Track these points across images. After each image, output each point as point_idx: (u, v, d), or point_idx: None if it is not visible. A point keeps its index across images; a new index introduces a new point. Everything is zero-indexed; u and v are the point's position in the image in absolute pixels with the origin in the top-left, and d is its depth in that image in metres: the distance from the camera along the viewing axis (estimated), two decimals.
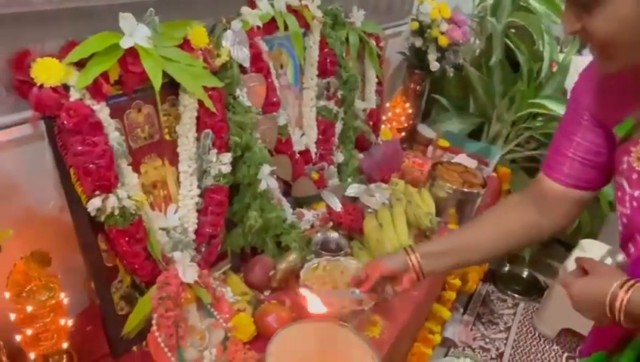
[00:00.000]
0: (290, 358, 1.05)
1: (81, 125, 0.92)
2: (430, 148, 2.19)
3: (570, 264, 2.17)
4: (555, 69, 2.31)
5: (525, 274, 2.59)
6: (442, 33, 2.02)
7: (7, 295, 0.93)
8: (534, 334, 2.24)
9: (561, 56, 2.29)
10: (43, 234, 1.01)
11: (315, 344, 1.10)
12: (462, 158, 2.05)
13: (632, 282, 0.75)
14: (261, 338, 1.16)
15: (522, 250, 2.44)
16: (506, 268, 2.60)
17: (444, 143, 2.16)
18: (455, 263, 1.09)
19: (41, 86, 0.89)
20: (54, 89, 0.90)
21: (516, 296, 2.46)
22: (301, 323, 1.15)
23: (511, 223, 1.01)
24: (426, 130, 2.29)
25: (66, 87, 0.93)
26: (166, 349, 1.01)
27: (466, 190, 1.72)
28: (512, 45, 2.28)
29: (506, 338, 2.20)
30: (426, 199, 1.69)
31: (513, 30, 2.36)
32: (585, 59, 2.69)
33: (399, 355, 1.44)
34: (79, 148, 0.93)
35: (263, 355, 1.04)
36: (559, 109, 2.14)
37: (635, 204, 0.81)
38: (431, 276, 1.13)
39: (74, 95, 0.93)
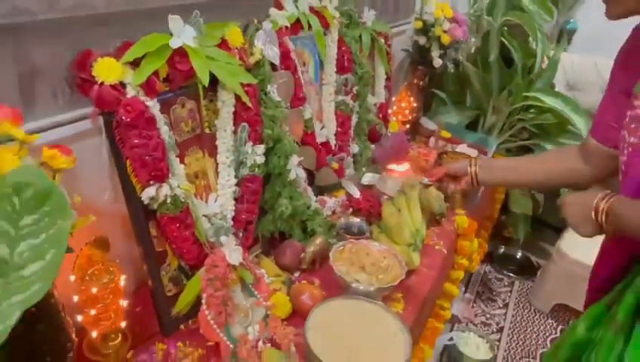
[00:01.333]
0: (327, 331, 1.09)
1: (138, 120, 0.95)
2: (432, 139, 2.22)
3: (562, 244, 2.24)
4: (545, 65, 2.36)
5: (519, 255, 2.65)
6: (445, 31, 2.06)
7: (72, 278, 0.95)
8: (530, 309, 2.30)
9: (551, 53, 2.34)
10: (101, 222, 1.03)
11: (347, 318, 1.14)
12: (463, 148, 2.10)
13: (611, 194, 0.87)
14: (297, 315, 1.19)
15: (517, 233, 2.50)
16: (502, 250, 2.65)
17: (446, 134, 2.20)
18: (504, 179, 1.27)
19: (102, 84, 0.91)
20: (113, 86, 0.93)
21: (511, 275, 2.52)
22: (334, 299, 1.18)
23: (560, 162, 1.16)
24: (427, 123, 2.33)
25: (122, 85, 0.95)
26: (215, 326, 1.04)
27: None
28: (506, 42, 2.32)
29: (505, 314, 2.27)
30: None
31: (506, 28, 2.40)
32: (568, 55, 2.76)
33: (418, 329, 1.49)
34: (136, 141, 0.95)
35: (302, 330, 1.08)
36: (550, 101, 2.19)
37: (630, 149, 0.90)
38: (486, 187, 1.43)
39: (130, 92, 0.95)
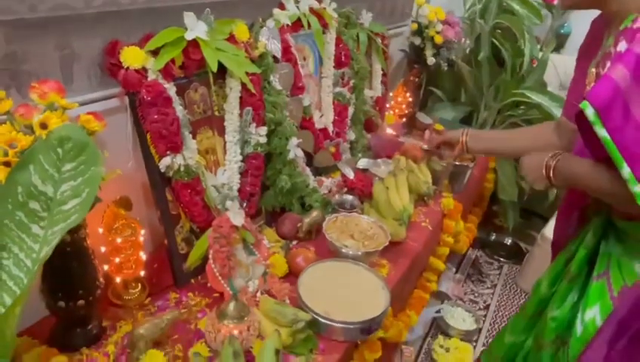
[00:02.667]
0: (317, 285, 1.21)
1: (157, 99, 1.09)
2: (427, 132, 2.32)
3: (546, 230, 2.33)
4: (535, 65, 2.46)
5: (509, 241, 2.74)
6: (438, 32, 2.17)
7: (100, 231, 1.10)
8: (516, 290, 2.40)
9: (540, 54, 2.44)
10: (125, 187, 1.17)
11: (336, 277, 1.26)
12: None
13: (559, 153, 0.99)
14: (292, 275, 1.32)
15: (507, 221, 2.60)
16: (493, 237, 2.75)
17: (439, 127, 2.30)
18: (489, 148, 1.41)
19: (127, 68, 1.06)
20: (137, 71, 1.07)
21: (502, 259, 2.62)
22: (325, 261, 1.31)
23: (538, 137, 1.28)
24: (423, 118, 2.43)
25: (144, 70, 1.09)
26: (220, 277, 1.18)
27: (457, 163, 1.87)
28: (497, 44, 2.42)
29: (492, 294, 2.36)
30: (424, 171, 1.84)
31: (499, 31, 2.50)
32: (560, 56, 2.85)
33: (402, 296, 1.60)
34: (155, 117, 1.10)
35: (295, 285, 1.21)
36: (538, 98, 2.29)
37: None
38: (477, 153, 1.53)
39: (151, 76, 1.10)
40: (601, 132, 0.80)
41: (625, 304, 0.90)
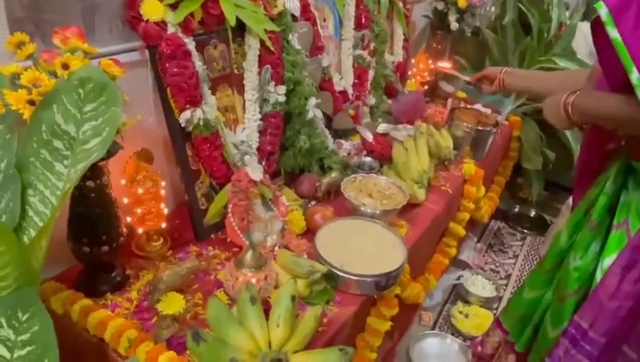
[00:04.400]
0: (334, 240, 1.22)
1: (176, 52, 1.10)
2: (449, 100, 2.29)
3: (570, 200, 2.28)
4: (563, 31, 2.38)
5: (533, 213, 2.70)
6: None
7: (123, 182, 1.13)
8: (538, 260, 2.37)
9: (568, 21, 2.36)
10: (146, 140, 1.20)
11: (354, 233, 1.27)
12: (477, 107, 2.17)
13: (576, 90, 0.99)
14: (310, 233, 1.33)
15: (531, 193, 2.56)
16: (516, 209, 2.72)
17: (462, 95, 2.27)
18: (525, 86, 1.44)
19: (147, 21, 1.07)
20: (157, 24, 1.08)
21: (525, 231, 2.59)
22: (343, 219, 1.32)
23: (570, 78, 1.27)
24: (446, 86, 2.39)
25: (164, 23, 1.10)
26: (239, 231, 1.20)
27: (480, 128, 1.85)
28: (523, 9, 2.35)
29: (514, 264, 2.34)
30: (446, 136, 1.82)
31: None
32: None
33: (420, 259, 1.60)
34: (175, 69, 1.11)
35: (313, 242, 1.22)
36: (566, 65, 2.22)
37: None
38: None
39: (170, 29, 1.11)
40: (613, 32, 0.81)
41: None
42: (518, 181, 2.71)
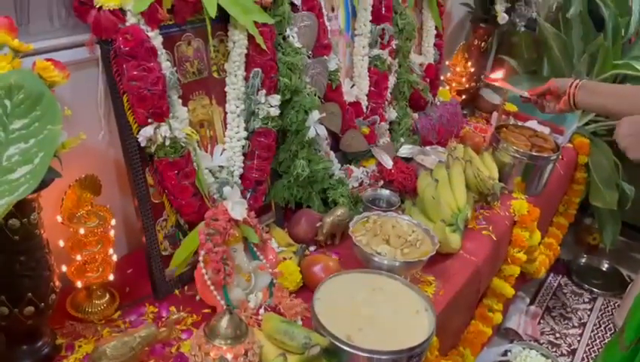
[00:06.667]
0: (338, 302, 1.21)
1: (137, 50, 1.11)
2: (495, 114, 2.30)
3: None
4: None
5: (605, 266, 2.68)
6: None
7: (59, 218, 1.12)
8: (614, 331, 2.34)
9: None
10: (93, 164, 1.19)
11: (364, 293, 1.25)
12: (531, 125, 2.17)
13: None
14: (307, 290, 1.32)
15: (603, 239, 2.54)
16: (583, 260, 2.70)
17: (512, 107, 2.28)
18: (606, 105, 1.44)
19: (100, 8, 1.08)
20: (112, 12, 1.09)
21: (595, 289, 2.57)
22: (350, 272, 1.31)
23: None
24: (490, 95, 2.42)
25: (122, 12, 1.11)
26: (212, 286, 1.19)
27: (534, 154, 1.84)
28: None
29: (581, 335, 2.31)
30: (488, 163, 1.82)
31: None
32: None
33: (453, 327, 1.58)
34: (134, 73, 1.11)
35: (310, 302, 1.20)
36: None
37: None
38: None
39: (130, 19, 1.12)
40: None
41: None
42: (586, 223, 2.71)
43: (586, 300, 2.53)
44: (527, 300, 2.31)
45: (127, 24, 1.12)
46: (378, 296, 1.25)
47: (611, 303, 2.51)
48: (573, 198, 2.33)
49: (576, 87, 1.45)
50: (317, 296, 1.21)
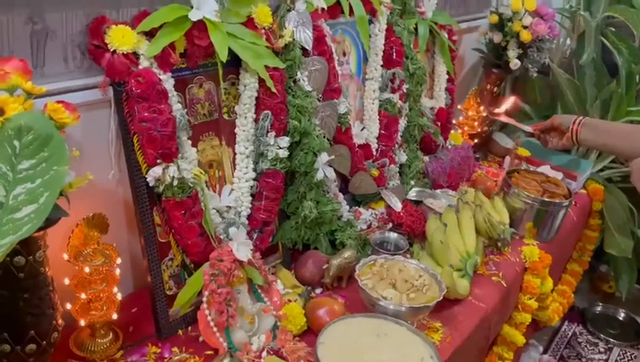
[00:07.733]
0: (342, 348, 1.20)
1: (149, 92, 1.14)
2: (507, 158, 2.29)
3: None
4: None
5: (622, 315, 2.63)
6: (525, 27, 2.17)
7: (65, 256, 1.13)
8: None
9: None
10: (101, 203, 1.21)
11: (369, 338, 1.24)
12: (544, 170, 2.16)
13: None
14: (312, 334, 1.30)
15: (618, 287, 2.50)
16: (599, 308, 2.65)
17: (524, 152, 2.27)
18: (609, 143, 1.48)
19: (114, 52, 1.12)
20: (126, 55, 1.13)
21: (610, 339, 2.51)
22: (355, 317, 1.30)
23: None
24: (503, 139, 2.42)
25: (136, 55, 1.15)
26: (215, 328, 1.19)
27: (546, 199, 1.83)
28: (608, 44, 2.39)
29: None
30: (500, 208, 1.81)
31: (611, 28, 2.47)
32: None
33: None
34: (145, 114, 1.14)
35: (314, 346, 1.20)
36: None
37: None
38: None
39: (143, 63, 1.15)
40: None
41: None
42: (602, 270, 2.66)
43: (602, 350, 2.47)
44: (541, 348, 2.26)
45: (140, 67, 1.15)
46: (383, 342, 1.23)
47: (628, 354, 2.45)
48: (587, 245, 2.30)
49: (579, 124, 1.46)
50: (320, 340, 1.20)
